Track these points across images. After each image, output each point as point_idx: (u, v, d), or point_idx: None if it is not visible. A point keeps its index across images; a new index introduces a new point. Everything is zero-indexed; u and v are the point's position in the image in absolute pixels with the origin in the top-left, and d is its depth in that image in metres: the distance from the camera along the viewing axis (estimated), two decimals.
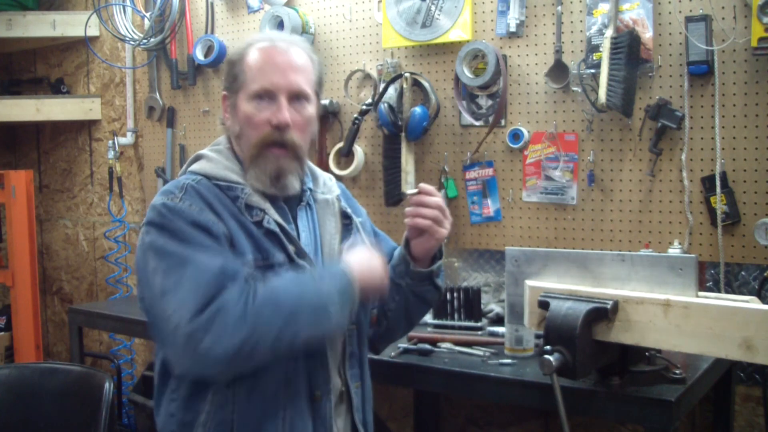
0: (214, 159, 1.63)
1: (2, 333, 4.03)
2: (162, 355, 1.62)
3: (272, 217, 1.58)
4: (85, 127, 4.14)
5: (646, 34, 2.40)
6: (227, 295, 1.41)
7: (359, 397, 1.67)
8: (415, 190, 1.66)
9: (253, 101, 1.58)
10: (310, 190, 1.72)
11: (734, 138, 2.31)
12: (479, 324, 2.41)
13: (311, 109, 1.63)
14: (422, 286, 1.70)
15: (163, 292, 1.44)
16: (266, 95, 1.58)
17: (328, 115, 3.08)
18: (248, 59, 1.61)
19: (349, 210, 1.75)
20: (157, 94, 3.67)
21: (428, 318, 2.45)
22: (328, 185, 1.76)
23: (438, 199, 1.64)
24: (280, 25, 3.02)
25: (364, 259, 1.58)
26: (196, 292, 1.41)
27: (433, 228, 1.63)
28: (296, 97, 1.59)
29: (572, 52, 2.55)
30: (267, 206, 1.59)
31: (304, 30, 3.05)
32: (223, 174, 1.60)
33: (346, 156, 3.01)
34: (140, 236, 1.55)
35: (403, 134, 2.80)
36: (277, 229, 1.57)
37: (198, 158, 1.66)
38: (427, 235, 1.64)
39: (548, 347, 1.66)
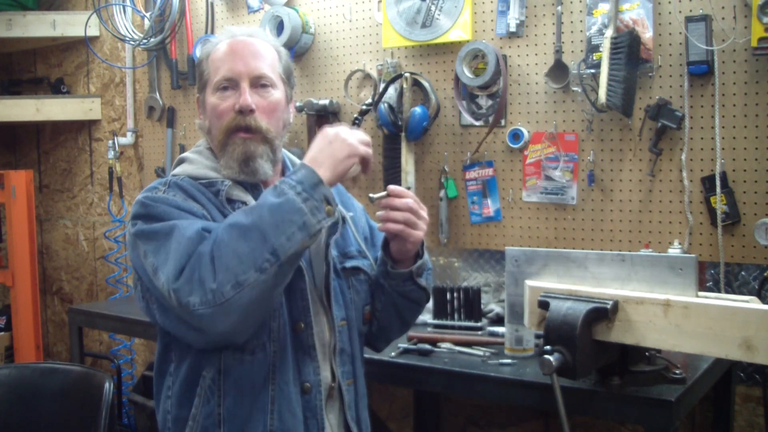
0: (194, 160, 1.64)
1: (2, 333, 4.04)
2: (160, 351, 1.63)
3: None
4: (85, 127, 4.14)
5: (646, 34, 2.40)
6: (201, 247, 1.40)
7: (351, 395, 1.66)
8: (384, 194, 1.56)
9: (217, 92, 1.60)
10: None
11: (734, 138, 2.31)
12: (479, 324, 2.41)
13: (277, 95, 1.63)
14: (405, 286, 1.67)
15: (155, 269, 1.44)
16: (229, 84, 1.59)
17: (328, 115, 3.08)
18: (212, 56, 1.64)
19: None
20: (157, 94, 3.67)
21: (428, 318, 2.45)
22: None
23: (408, 200, 1.55)
24: (280, 25, 3.02)
25: (320, 140, 1.49)
26: (178, 253, 1.41)
27: (406, 231, 1.55)
28: (259, 82, 1.60)
29: (572, 52, 2.55)
30: (249, 198, 1.59)
31: (304, 30, 3.05)
32: (203, 173, 1.61)
33: None
34: (128, 232, 1.55)
35: (403, 134, 2.80)
36: None
37: (181, 161, 1.67)
38: (402, 237, 1.58)
39: (548, 347, 1.66)
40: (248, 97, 1.57)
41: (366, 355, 1.77)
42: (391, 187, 1.56)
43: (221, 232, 1.40)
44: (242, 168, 1.58)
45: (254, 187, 1.63)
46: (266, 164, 1.60)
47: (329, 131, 1.50)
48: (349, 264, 1.69)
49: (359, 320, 1.71)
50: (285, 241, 1.37)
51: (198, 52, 3.33)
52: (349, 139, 1.49)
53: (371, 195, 1.57)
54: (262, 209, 1.40)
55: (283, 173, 1.72)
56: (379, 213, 1.57)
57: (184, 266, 1.39)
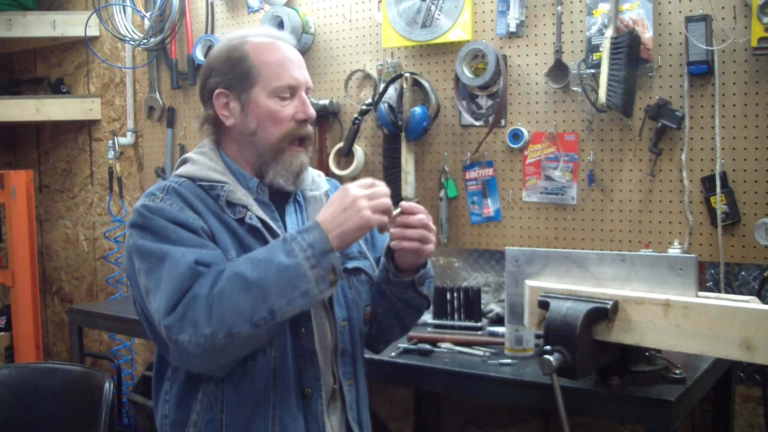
0: (198, 161, 1.64)
1: (2, 333, 4.04)
2: (158, 355, 1.63)
3: (254, 213, 1.58)
4: (85, 127, 4.14)
5: (646, 34, 2.40)
6: (197, 287, 1.40)
7: (352, 395, 1.66)
8: (398, 210, 1.55)
9: (275, 97, 1.59)
10: None
11: (734, 138, 2.31)
12: (479, 324, 2.41)
13: None
14: (406, 294, 1.68)
15: (147, 291, 1.46)
16: (290, 92, 1.60)
17: (328, 115, 3.08)
18: (260, 55, 1.60)
19: None
20: (157, 94, 3.67)
21: (428, 318, 2.45)
22: (317, 182, 1.76)
23: (422, 216, 1.55)
24: (280, 25, 3.02)
25: (336, 204, 1.46)
26: (171, 287, 1.41)
27: (421, 248, 1.57)
28: (308, 93, 1.65)
29: (572, 52, 2.55)
30: (250, 202, 1.59)
31: (304, 30, 3.05)
32: (206, 174, 1.60)
33: (346, 156, 3.02)
34: (126, 239, 1.56)
35: (403, 134, 2.80)
36: (259, 225, 1.56)
37: (184, 162, 1.67)
38: (415, 253, 1.59)
39: (548, 347, 1.66)
40: (312, 108, 1.62)
41: (366, 356, 1.77)
42: (404, 204, 1.56)
43: (225, 279, 1.40)
44: (295, 180, 1.63)
45: (259, 188, 1.63)
46: (308, 175, 1.69)
47: (349, 193, 1.46)
48: (350, 265, 1.69)
49: (360, 320, 1.71)
50: (285, 305, 1.40)
51: (198, 51, 3.33)
52: (363, 211, 1.44)
53: None
54: (270, 267, 1.40)
55: None
56: (394, 230, 1.57)
57: (177, 303, 1.40)
